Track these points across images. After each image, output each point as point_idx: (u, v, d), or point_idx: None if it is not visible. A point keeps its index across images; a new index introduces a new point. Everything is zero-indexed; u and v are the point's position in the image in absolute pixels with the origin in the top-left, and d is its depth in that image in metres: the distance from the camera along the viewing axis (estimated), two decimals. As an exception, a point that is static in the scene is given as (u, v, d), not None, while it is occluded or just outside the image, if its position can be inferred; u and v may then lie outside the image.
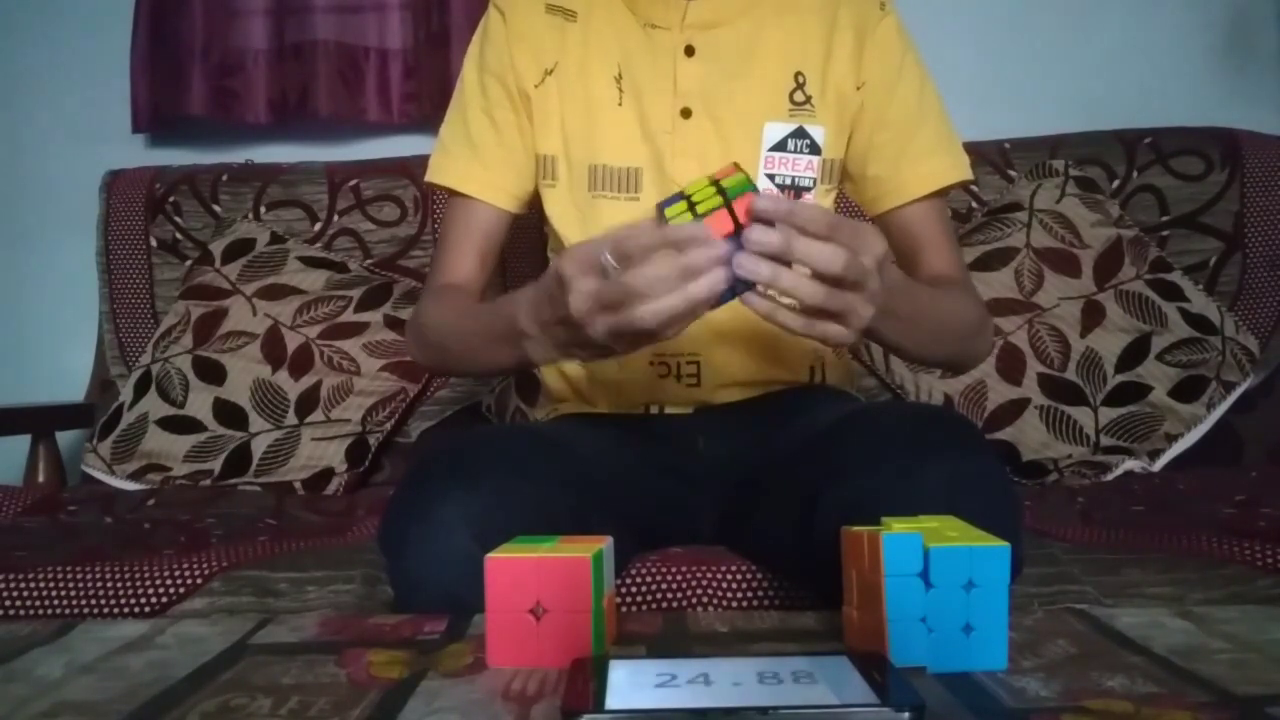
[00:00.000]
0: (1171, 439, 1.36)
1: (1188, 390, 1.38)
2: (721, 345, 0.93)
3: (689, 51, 0.93)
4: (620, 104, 0.94)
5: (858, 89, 0.95)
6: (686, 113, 0.93)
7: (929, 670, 0.45)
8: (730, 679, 0.41)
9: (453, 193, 0.99)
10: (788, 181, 0.93)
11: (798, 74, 0.94)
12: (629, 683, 0.41)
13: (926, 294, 0.84)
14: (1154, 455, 1.35)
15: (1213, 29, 1.77)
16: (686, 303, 0.61)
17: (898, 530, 0.47)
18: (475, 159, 0.97)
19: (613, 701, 0.38)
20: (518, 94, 0.97)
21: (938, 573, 0.45)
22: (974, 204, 1.59)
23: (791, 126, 0.93)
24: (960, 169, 0.97)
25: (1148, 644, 0.49)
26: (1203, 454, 1.35)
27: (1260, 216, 1.53)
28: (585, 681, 0.41)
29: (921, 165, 0.95)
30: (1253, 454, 1.38)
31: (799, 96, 0.94)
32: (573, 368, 1.01)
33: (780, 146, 0.93)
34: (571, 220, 0.97)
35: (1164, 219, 1.55)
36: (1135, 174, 1.57)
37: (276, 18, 1.79)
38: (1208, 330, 1.42)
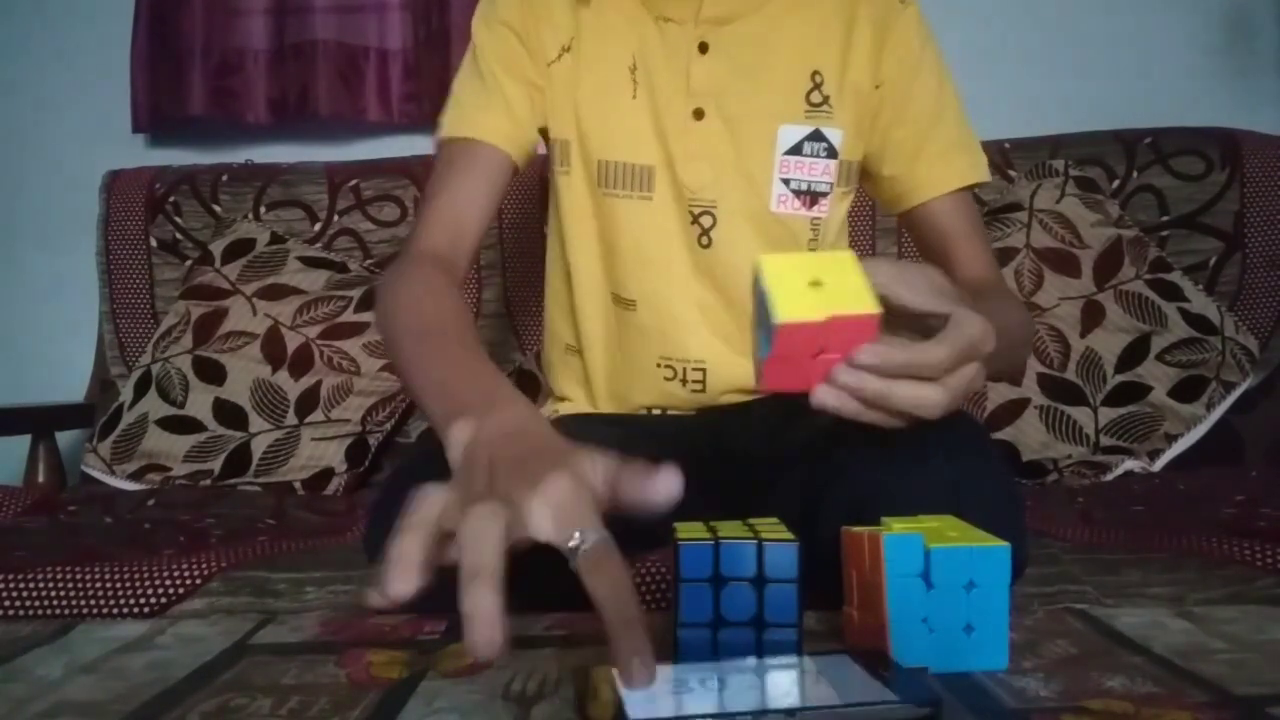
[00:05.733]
0: (1171, 439, 1.36)
1: (1188, 390, 1.38)
2: (730, 353, 0.92)
3: (703, 48, 0.90)
4: (634, 97, 0.91)
5: (876, 88, 0.92)
6: (699, 114, 0.90)
7: (930, 671, 0.45)
8: (745, 682, 0.41)
9: (459, 141, 0.91)
10: (803, 187, 0.90)
11: (815, 73, 0.91)
12: (644, 690, 0.40)
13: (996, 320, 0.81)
14: (1154, 455, 1.35)
15: (1213, 29, 1.77)
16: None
17: (898, 531, 0.47)
18: (489, 106, 0.91)
19: (633, 711, 0.38)
20: (535, 58, 0.92)
21: (939, 573, 0.45)
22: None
23: (808, 129, 0.90)
24: (978, 170, 0.94)
25: (1148, 644, 0.49)
26: (1203, 454, 1.35)
27: (1260, 216, 1.53)
28: (599, 690, 0.41)
29: (938, 165, 0.92)
30: (1253, 454, 1.38)
31: (816, 97, 0.91)
32: (575, 366, 1.00)
33: (796, 150, 0.90)
34: (586, 213, 0.94)
35: (1164, 219, 1.55)
36: (1135, 174, 1.57)
37: (276, 18, 1.79)
38: (1208, 330, 1.42)
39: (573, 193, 0.94)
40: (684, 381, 0.93)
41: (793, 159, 0.90)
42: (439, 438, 0.55)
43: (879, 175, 0.95)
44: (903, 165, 0.92)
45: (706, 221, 0.91)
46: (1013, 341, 0.78)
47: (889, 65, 0.91)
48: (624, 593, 0.42)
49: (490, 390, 0.59)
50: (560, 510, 0.43)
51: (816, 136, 0.90)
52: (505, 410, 0.54)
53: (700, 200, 0.91)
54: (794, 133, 0.90)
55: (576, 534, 0.42)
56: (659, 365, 0.93)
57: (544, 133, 0.96)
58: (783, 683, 0.41)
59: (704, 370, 0.92)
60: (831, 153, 0.91)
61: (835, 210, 0.94)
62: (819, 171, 0.91)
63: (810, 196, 0.91)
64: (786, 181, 0.91)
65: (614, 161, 0.91)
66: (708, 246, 0.91)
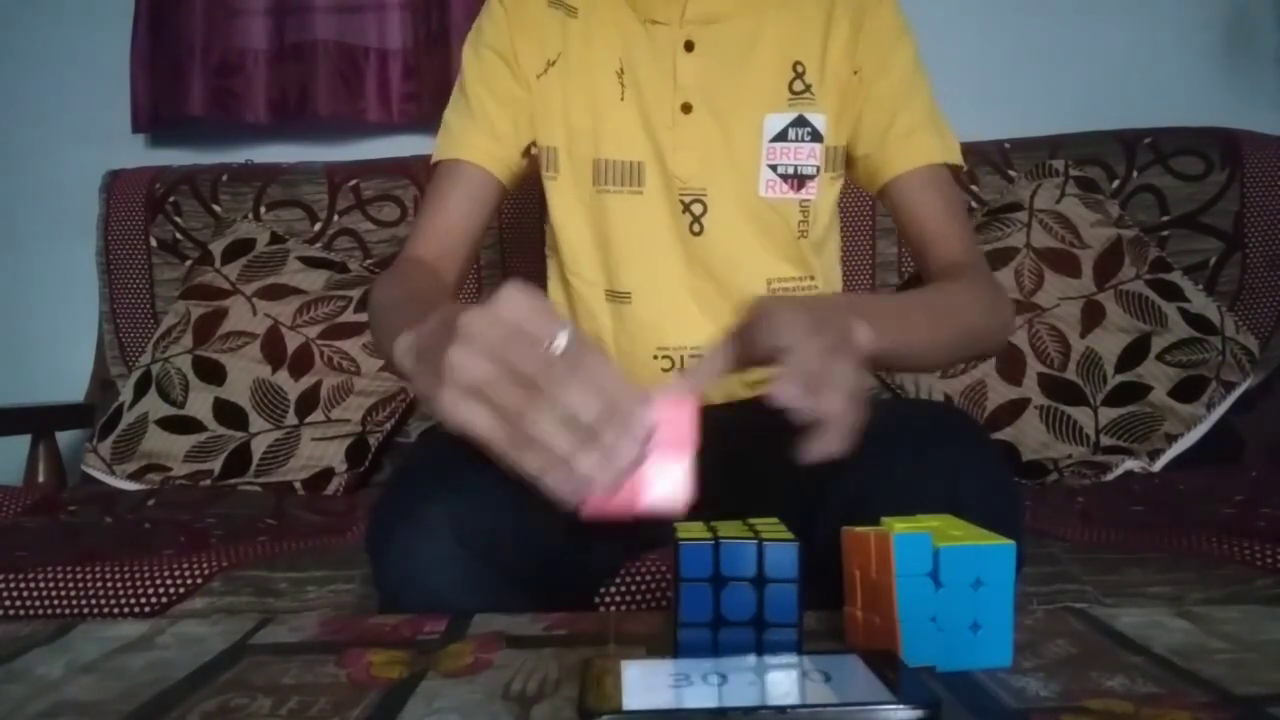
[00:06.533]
0: (1171, 439, 1.36)
1: (1188, 390, 1.38)
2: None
3: (689, 47, 0.94)
4: (622, 99, 0.94)
5: (854, 74, 0.95)
6: (687, 108, 0.93)
7: (938, 669, 0.45)
8: (745, 678, 0.41)
9: (447, 163, 0.96)
10: (790, 171, 0.94)
11: (796, 63, 0.95)
12: (644, 683, 0.41)
13: (914, 306, 0.83)
14: (1154, 455, 1.35)
15: (1213, 29, 1.77)
16: (598, 450, 0.47)
17: (900, 530, 0.47)
18: (474, 128, 0.96)
19: (630, 702, 0.38)
20: (519, 77, 0.97)
21: (947, 572, 0.45)
22: (974, 204, 1.59)
23: (792, 116, 0.94)
24: (947, 151, 0.95)
25: (1148, 644, 0.49)
26: (1203, 454, 1.35)
27: (1260, 216, 1.53)
28: (600, 681, 0.41)
29: (905, 143, 0.94)
30: (1253, 454, 1.39)
31: (798, 85, 0.94)
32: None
33: (781, 136, 0.93)
34: (577, 214, 0.97)
35: (1164, 219, 1.55)
36: (1135, 174, 1.57)
37: (276, 18, 1.79)
38: (1208, 330, 1.42)
39: (561, 195, 0.97)
40: (682, 371, 0.93)
41: (779, 145, 0.94)
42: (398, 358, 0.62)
43: (855, 157, 0.98)
44: (874, 144, 0.95)
45: (697, 209, 0.94)
46: (960, 326, 0.81)
47: (863, 51, 0.95)
48: (613, 389, 0.47)
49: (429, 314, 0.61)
50: (524, 323, 0.48)
51: (800, 122, 0.94)
52: (432, 316, 0.57)
53: (690, 189, 0.94)
54: (779, 120, 0.94)
55: (554, 340, 0.47)
56: (656, 357, 0.94)
57: (531, 146, 0.98)
58: (783, 681, 0.41)
59: (701, 357, 0.93)
60: (816, 136, 0.94)
61: (825, 195, 0.97)
62: (804, 155, 0.94)
63: (797, 180, 0.94)
64: (774, 167, 0.94)
65: (605, 159, 0.95)
66: (699, 234, 0.94)
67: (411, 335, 0.60)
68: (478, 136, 0.96)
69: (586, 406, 0.47)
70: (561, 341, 0.47)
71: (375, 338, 0.85)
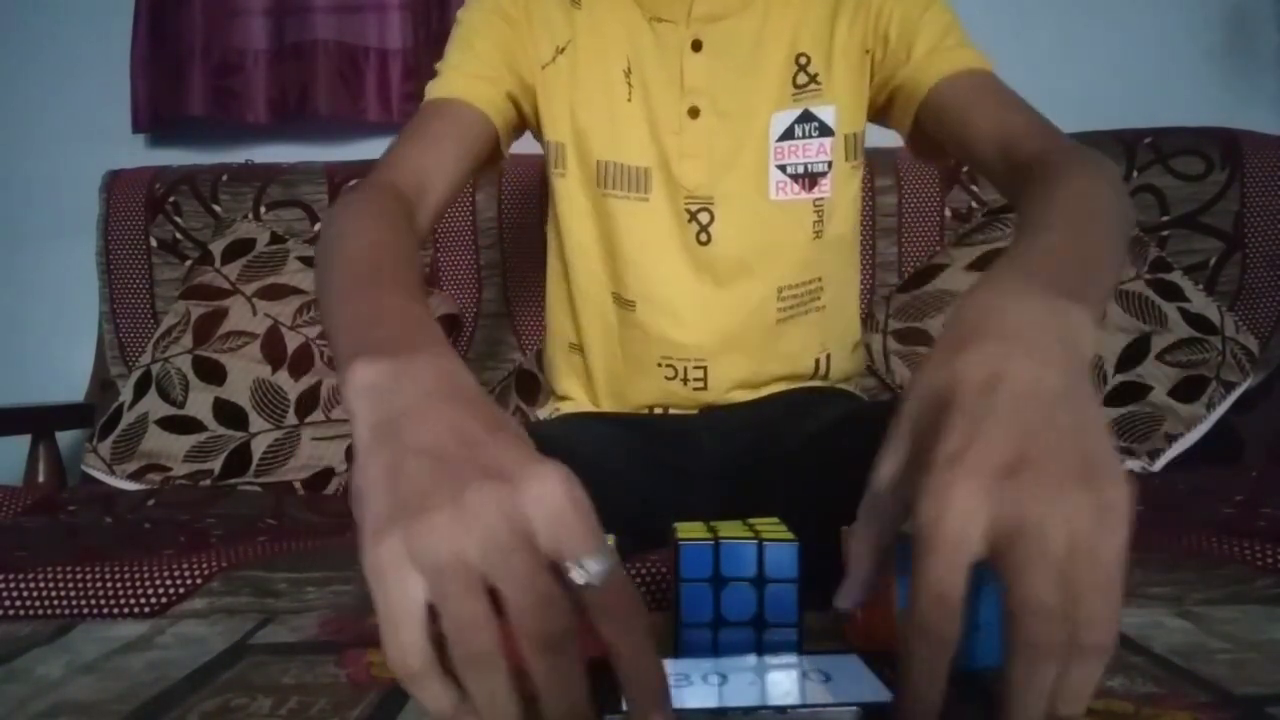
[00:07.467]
0: (1171, 439, 1.36)
1: (1188, 390, 1.38)
2: (729, 350, 0.92)
3: (696, 46, 0.91)
4: (630, 99, 0.92)
5: (866, 52, 0.91)
6: (694, 112, 0.91)
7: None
8: (745, 678, 0.41)
9: (439, 100, 0.88)
10: (800, 170, 0.91)
11: (800, 55, 0.92)
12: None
13: (1083, 227, 0.56)
14: (1154, 455, 1.35)
15: (1213, 29, 1.77)
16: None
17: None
18: (466, 67, 0.89)
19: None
20: (524, 47, 0.92)
21: None
22: (974, 204, 1.59)
23: (797, 112, 0.91)
24: (979, 60, 0.86)
25: (1148, 644, 0.49)
26: (1203, 454, 1.35)
27: (1260, 216, 1.53)
28: (601, 682, 0.41)
29: (938, 52, 0.86)
30: (1253, 454, 1.38)
31: (801, 79, 0.91)
32: (577, 364, 1.00)
33: (788, 135, 0.91)
34: (584, 214, 0.94)
35: (1164, 219, 1.55)
36: (1135, 174, 1.57)
37: (276, 18, 1.79)
38: (1208, 330, 1.42)
39: (569, 194, 0.95)
40: (685, 380, 0.93)
41: (786, 144, 0.91)
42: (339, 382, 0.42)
43: (881, 101, 0.92)
44: (900, 73, 0.88)
45: (704, 218, 0.91)
46: (1116, 218, 0.60)
47: (873, 19, 0.90)
48: (640, 653, 0.33)
49: (411, 330, 0.45)
50: (559, 524, 0.33)
51: (806, 117, 0.91)
52: (423, 355, 0.40)
53: (696, 198, 0.91)
54: (784, 118, 0.91)
55: (584, 564, 0.33)
56: (660, 365, 0.93)
57: (538, 133, 0.96)
58: (783, 681, 0.41)
59: (705, 368, 0.92)
60: (824, 131, 0.91)
61: (842, 189, 0.94)
62: (814, 152, 0.91)
63: (809, 179, 0.91)
64: (783, 168, 0.91)
65: (612, 162, 0.92)
66: (706, 243, 0.91)
67: (375, 368, 0.40)
68: (476, 82, 0.88)
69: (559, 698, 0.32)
70: (594, 569, 0.33)
71: (318, 279, 0.62)
